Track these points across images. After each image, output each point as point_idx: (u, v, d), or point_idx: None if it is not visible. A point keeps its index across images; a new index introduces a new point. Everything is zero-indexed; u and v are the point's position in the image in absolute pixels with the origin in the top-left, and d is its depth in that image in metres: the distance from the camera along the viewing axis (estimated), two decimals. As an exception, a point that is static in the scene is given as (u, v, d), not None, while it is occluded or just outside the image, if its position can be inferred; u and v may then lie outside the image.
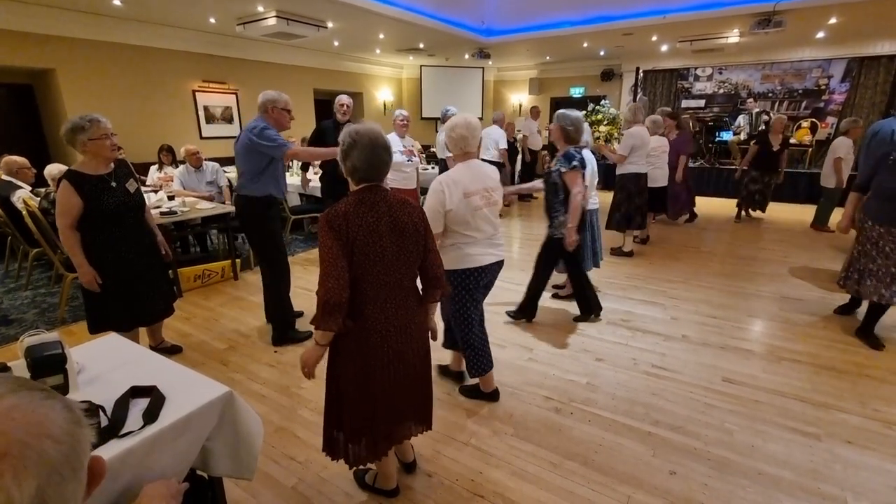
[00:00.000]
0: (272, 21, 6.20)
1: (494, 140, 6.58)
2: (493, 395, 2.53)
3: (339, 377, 1.59)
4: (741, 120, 9.02)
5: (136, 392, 1.32)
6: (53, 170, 4.00)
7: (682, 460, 2.09)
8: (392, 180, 4.38)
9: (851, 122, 5.87)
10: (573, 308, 3.79)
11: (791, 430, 2.29)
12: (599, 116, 9.66)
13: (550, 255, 3.25)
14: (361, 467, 1.97)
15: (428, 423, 1.86)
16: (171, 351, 3.06)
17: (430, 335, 1.78)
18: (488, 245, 2.29)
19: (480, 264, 2.25)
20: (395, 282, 1.55)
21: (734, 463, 2.07)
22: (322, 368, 1.61)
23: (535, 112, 8.83)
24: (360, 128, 1.51)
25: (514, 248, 5.71)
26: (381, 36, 7.98)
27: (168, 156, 5.80)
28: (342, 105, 4.47)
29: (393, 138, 4.45)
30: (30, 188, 4.38)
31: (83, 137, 2.33)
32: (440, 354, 2.64)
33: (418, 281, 1.70)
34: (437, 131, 6.08)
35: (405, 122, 4.60)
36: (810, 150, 8.46)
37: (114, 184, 2.48)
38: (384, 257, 1.49)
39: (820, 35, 7.79)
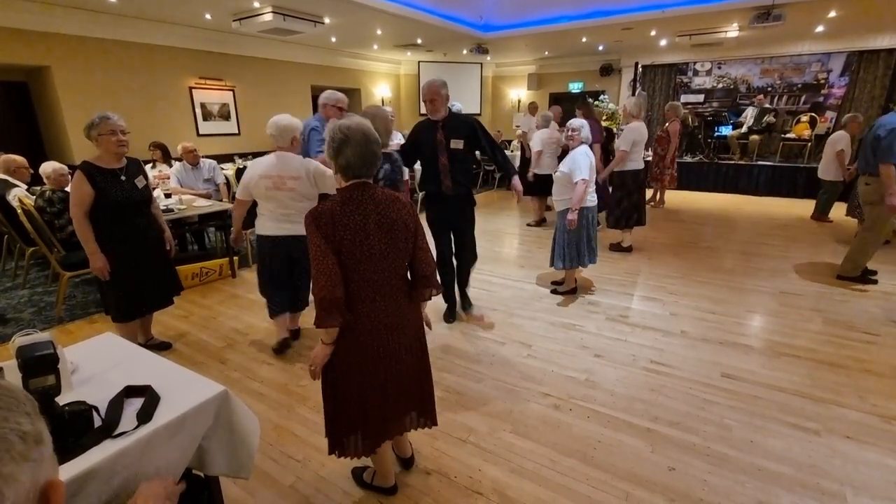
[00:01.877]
0: (268, 17, 6.16)
1: (541, 139, 6.62)
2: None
3: (332, 373, 1.59)
4: (749, 112, 8.94)
5: (130, 392, 1.31)
6: (48, 168, 3.97)
7: (682, 456, 2.09)
8: None
9: (851, 117, 6.01)
10: (572, 305, 3.78)
11: (790, 425, 2.29)
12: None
13: None
14: (359, 465, 1.98)
15: (430, 417, 1.84)
16: (160, 347, 3.09)
17: (424, 327, 1.78)
18: (280, 220, 2.81)
19: (268, 233, 2.85)
20: (384, 279, 1.54)
21: (733, 459, 2.07)
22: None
23: (532, 108, 8.81)
24: (350, 123, 1.48)
25: (511, 244, 5.70)
26: (379, 32, 7.93)
27: (157, 152, 5.56)
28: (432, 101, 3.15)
29: None
30: (26, 187, 4.35)
31: (94, 133, 2.50)
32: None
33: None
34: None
35: (392, 118, 4.70)
36: (809, 144, 8.45)
37: (123, 178, 2.63)
38: (372, 255, 1.49)
39: (819, 29, 7.76)
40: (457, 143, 3.13)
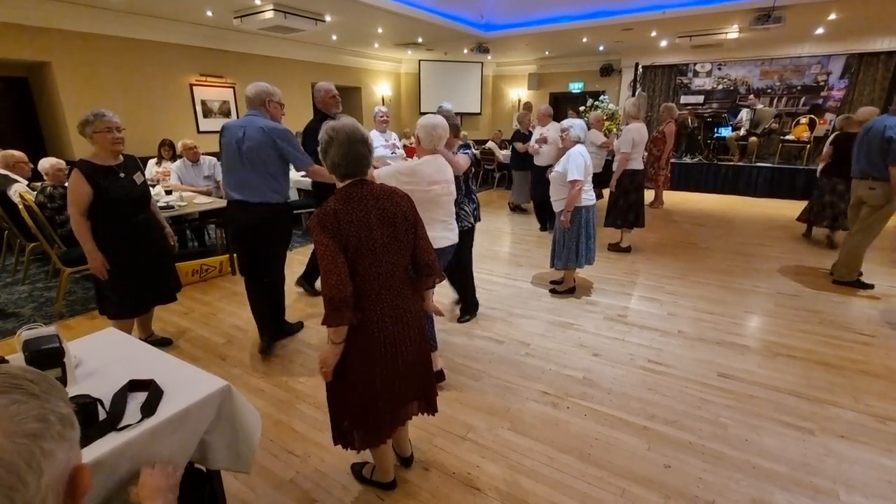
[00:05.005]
0: (270, 14, 6.16)
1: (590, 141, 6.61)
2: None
3: (341, 368, 1.60)
4: (744, 114, 8.98)
5: (134, 385, 1.33)
6: (45, 164, 3.98)
7: (677, 454, 2.11)
8: None
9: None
10: (570, 304, 3.80)
11: (785, 424, 2.31)
12: (599, 112, 9.64)
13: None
14: (359, 461, 2.00)
15: (432, 405, 1.87)
16: (160, 343, 3.08)
17: (433, 316, 1.80)
18: (443, 229, 2.48)
19: (439, 246, 2.41)
20: (388, 272, 1.56)
21: (728, 457, 2.09)
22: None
23: (528, 107, 8.82)
24: (337, 124, 1.53)
25: (510, 243, 5.72)
26: (380, 30, 7.94)
27: (169, 150, 5.78)
28: (332, 96, 3.62)
29: (374, 134, 4.49)
30: (26, 182, 4.36)
31: (89, 130, 2.48)
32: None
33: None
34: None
35: (385, 118, 4.72)
36: (808, 146, 8.48)
37: (122, 175, 2.61)
38: (375, 250, 1.51)
39: (819, 31, 7.78)
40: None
